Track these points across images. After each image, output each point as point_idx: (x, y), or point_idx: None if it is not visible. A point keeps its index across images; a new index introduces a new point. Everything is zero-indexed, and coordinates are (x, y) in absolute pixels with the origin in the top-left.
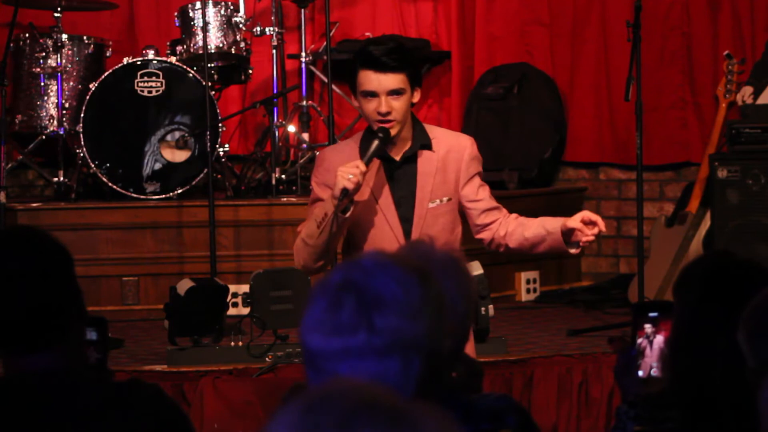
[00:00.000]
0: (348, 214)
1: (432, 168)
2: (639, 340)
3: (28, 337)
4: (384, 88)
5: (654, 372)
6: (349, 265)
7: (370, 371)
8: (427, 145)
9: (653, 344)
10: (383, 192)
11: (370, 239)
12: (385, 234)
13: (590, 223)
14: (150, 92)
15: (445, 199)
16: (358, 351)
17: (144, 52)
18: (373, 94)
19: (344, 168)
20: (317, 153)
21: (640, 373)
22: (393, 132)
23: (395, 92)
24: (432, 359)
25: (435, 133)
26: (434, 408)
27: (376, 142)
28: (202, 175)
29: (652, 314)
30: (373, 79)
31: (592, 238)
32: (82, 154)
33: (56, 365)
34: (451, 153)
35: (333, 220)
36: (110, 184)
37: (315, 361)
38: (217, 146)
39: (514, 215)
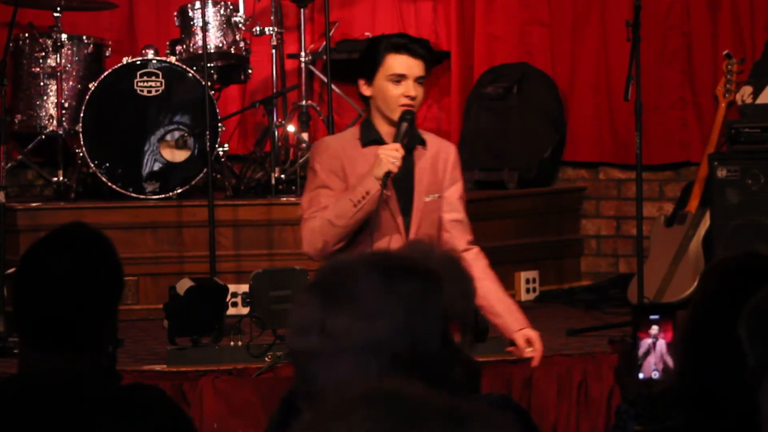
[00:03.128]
0: (388, 192)
1: (426, 164)
2: (640, 342)
3: (62, 338)
4: (414, 73)
5: (654, 374)
6: (326, 264)
7: (321, 372)
8: (423, 142)
9: (655, 346)
10: (387, 182)
11: (376, 229)
12: (389, 224)
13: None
14: (149, 92)
15: (437, 195)
16: (317, 352)
17: (143, 51)
18: (403, 77)
19: (386, 150)
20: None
21: (641, 375)
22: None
23: (420, 79)
24: (405, 359)
25: (423, 133)
26: (489, 409)
27: (405, 124)
28: (201, 175)
29: (653, 316)
30: (404, 63)
31: (528, 356)
32: (81, 154)
33: (74, 367)
34: (440, 153)
35: (378, 199)
36: (110, 183)
37: (295, 359)
38: (217, 146)
39: (481, 262)
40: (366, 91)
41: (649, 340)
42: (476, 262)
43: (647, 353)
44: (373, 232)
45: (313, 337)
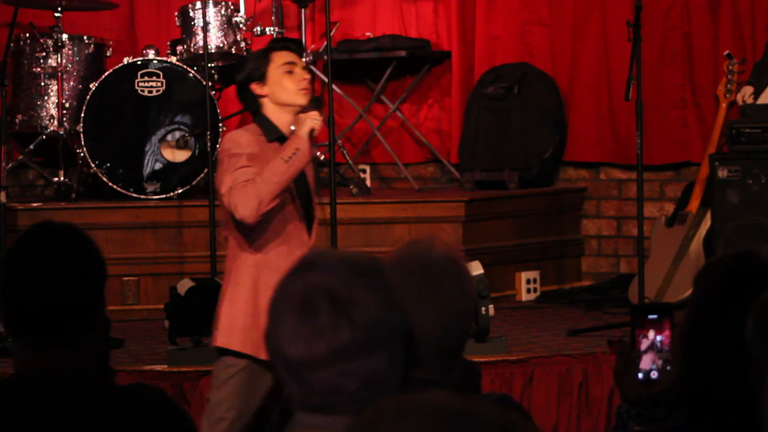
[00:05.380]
0: (313, 151)
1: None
2: (639, 342)
3: (57, 330)
4: (301, 62)
5: (654, 374)
6: (300, 271)
7: (359, 371)
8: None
9: (653, 346)
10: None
11: (281, 217)
12: (292, 212)
13: None
14: (150, 92)
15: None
16: (345, 351)
17: (144, 52)
18: (293, 64)
19: (305, 114)
20: (220, 141)
21: (640, 375)
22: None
23: (304, 68)
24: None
25: None
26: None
27: (317, 101)
28: (202, 175)
29: (651, 316)
30: (289, 54)
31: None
32: (82, 154)
33: (73, 365)
34: None
35: (308, 153)
36: (110, 183)
37: (299, 372)
38: (218, 146)
39: None
40: (261, 90)
41: (648, 340)
42: None
43: (646, 353)
44: (275, 218)
45: (345, 333)
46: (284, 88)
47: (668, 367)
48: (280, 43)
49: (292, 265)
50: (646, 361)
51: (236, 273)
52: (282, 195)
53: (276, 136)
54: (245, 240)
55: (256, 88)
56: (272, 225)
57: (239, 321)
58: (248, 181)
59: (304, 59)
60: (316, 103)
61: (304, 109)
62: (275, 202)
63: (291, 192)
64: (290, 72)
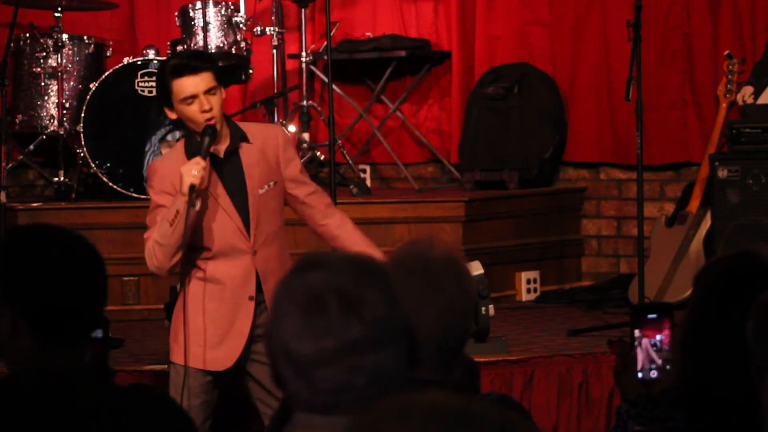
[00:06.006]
0: (198, 207)
1: (254, 158)
2: (638, 341)
3: (57, 330)
4: (201, 89)
5: (653, 374)
6: (304, 270)
7: (367, 367)
8: (245, 138)
9: (653, 346)
10: (217, 187)
11: (215, 232)
12: (226, 225)
13: None
14: (150, 92)
15: (272, 183)
16: (354, 347)
17: (144, 51)
18: (193, 97)
19: (186, 166)
20: (151, 166)
21: (640, 375)
22: (217, 126)
23: (210, 90)
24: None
25: (246, 127)
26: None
27: (207, 138)
28: None
29: (651, 316)
30: (189, 84)
31: None
32: (82, 154)
33: (73, 365)
34: (267, 141)
35: (186, 214)
36: (111, 183)
37: (307, 369)
38: None
39: (348, 225)
40: (172, 115)
41: (648, 340)
42: (343, 228)
43: (645, 353)
44: (212, 234)
45: (356, 329)
46: (188, 118)
47: (668, 367)
48: (177, 70)
49: (295, 264)
50: (646, 361)
51: (185, 288)
52: (184, 245)
53: (192, 152)
54: (188, 255)
55: (168, 112)
56: (213, 242)
57: (180, 336)
58: (148, 240)
59: (208, 76)
60: (210, 132)
61: (195, 143)
62: (178, 256)
63: (226, 211)
64: (190, 104)
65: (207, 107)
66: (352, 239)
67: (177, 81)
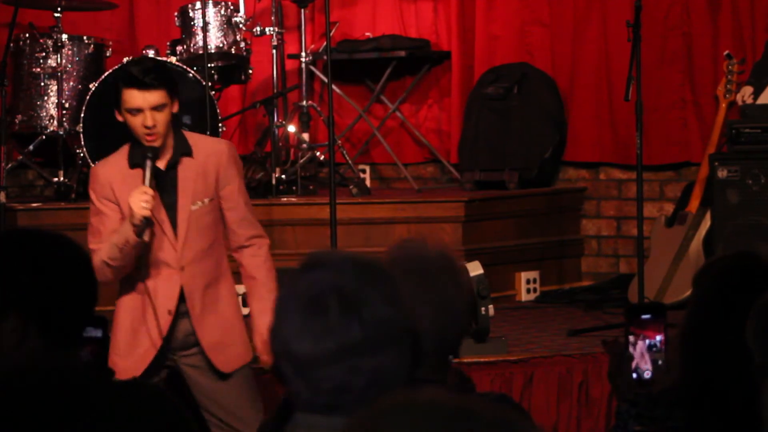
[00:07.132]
0: (146, 237)
1: (192, 173)
2: (633, 342)
3: (56, 330)
4: (148, 104)
5: (647, 374)
6: (306, 270)
7: (367, 368)
8: (188, 153)
9: (647, 346)
10: (156, 200)
11: (148, 244)
12: (159, 238)
13: None
14: None
15: (206, 200)
16: (354, 348)
17: (144, 52)
18: (139, 110)
19: (135, 197)
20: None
21: (634, 375)
22: (157, 143)
23: (158, 107)
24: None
25: (194, 140)
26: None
27: (149, 163)
28: None
29: (645, 316)
30: (137, 97)
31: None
32: (82, 154)
33: (72, 365)
34: (210, 157)
35: (135, 245)
36: None
37: (306, 370)
38: None
39: (257, 259)
40: (120, 119)
41: (642, 340)
42: (252, 260)
43: (640, 353)
44: (146, 250)
45: (355, 330)
46: (131, 127)
47: (660, 362)
48: (129, 81)
49: (299, 263)
50: (640, 361)
51: (118, 296)
52: (132, 266)
53: (134, 162)
54: None
55: (117, 115)
56: (144, 255)
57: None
58: (100, 246)
59: (158, 94)
60: (151, 156)
61: (138, 153)
62: (126, 271)
63: (161, 226)
64: (135, 115)
65: (150, 124)
66: (254, 272)
67: (127, 90)
